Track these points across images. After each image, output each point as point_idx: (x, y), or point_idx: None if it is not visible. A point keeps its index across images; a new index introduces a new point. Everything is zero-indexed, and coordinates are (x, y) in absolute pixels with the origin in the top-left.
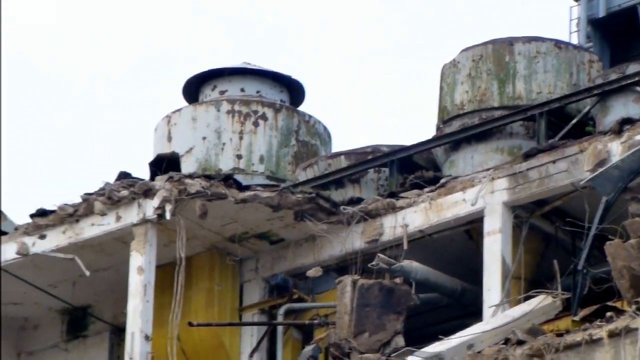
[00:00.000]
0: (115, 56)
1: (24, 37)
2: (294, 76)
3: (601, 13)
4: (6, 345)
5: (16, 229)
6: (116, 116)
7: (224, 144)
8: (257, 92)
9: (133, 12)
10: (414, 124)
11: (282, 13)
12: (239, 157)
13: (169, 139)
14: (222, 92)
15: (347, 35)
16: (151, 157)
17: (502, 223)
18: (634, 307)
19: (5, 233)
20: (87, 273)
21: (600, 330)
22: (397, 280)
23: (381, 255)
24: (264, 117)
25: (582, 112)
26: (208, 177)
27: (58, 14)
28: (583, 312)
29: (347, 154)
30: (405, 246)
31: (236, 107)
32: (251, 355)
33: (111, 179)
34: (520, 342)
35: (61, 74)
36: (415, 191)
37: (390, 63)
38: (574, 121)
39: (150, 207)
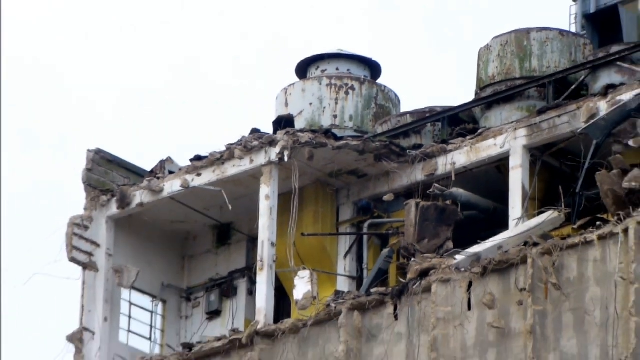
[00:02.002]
0: (246, 44)
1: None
2: (374, 58)
3: (592, 9)
4: (174, 251)
5: (180, 169)
6: (250, 88)
7: (324, 107)
8: (348, 70)
9: (264, 11)
10: (459, 91)
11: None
12: (335, 116)
13: (286, 104)
14: (322, 71)
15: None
16: (274, 118)
17: (522, 160)
18: (615, 218)
19: (172, 172)
20: (230, 207)
21: (592, 235)
22: (448, 202)
23: (436, 185)
24: (352, 88)
25: (578, 80)
26: (313, 131)
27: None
28: (580, 222)
29: (411, 113)
30: (453, 178)
31: (333, 81)
32: (345, 256)
33: (246, 133)
34: (535, 244)
35: (215, 62)
36: (460, 139)
37: (443, 48)
38: (572, 87)
39: (273, 153)
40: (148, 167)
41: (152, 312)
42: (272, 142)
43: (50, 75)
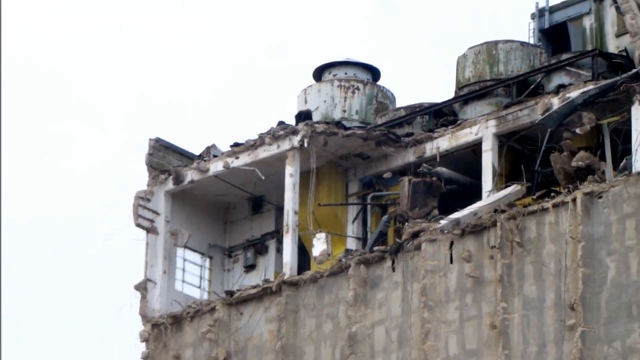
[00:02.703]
0: (269, 53)
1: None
2: (375, 65)
3: (546, 25)
4: (218, 218)
5: (222, 153)
6: (275, 89)
7: (335, 104)
8: (354, 74)
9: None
10: (442, 90)
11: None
12: (344, 111)
13: (305, 102)
14: (334, 75)
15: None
16: (296, 113)
17: (492, 145)
18: (566, 190)
19: (216, 156)
20: (262, 177)
21: (548, 203)
22: (434, 178)
23: (425, 165)
24: (357, 88)
25: (536, 82)
26: (327, 123)
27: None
28: (538, 194)
29: (405, 108)
30: (438, 159)
31: (342, 83)
32: (353, 221)
33: (274, 124)
34: (503, 211)
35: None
36: (443, 128)
37: (428, 55)
38: (531, 87)
39: (295, 140)
40: (197, 152)
41: (201, 266)
42: (294, 132)
43: (121, 73)
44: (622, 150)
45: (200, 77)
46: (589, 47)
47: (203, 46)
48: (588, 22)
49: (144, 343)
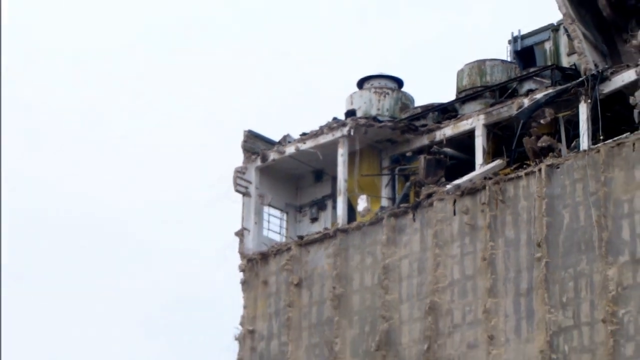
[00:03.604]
0: (327, 69)
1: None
2: (399, 76)
3: (519, 48)
4: (292, 185)
5: (294, 140)
6: (330, 94)
7: (372, 104)
8: (385, 83)
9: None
10: (447, 94)
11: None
12: (378, 109)
13: (351, 103)
14: (371, 84)
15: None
16: (345, 111)
17: (482, 132)
18: (534, 163)
19: (290, 141)
20: (321, 157)
21: (522, 172)
22: (441, 156)
23: (435, 146)
24: (387, 93)
25: (512, 88)
26: (366, 118)
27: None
28: (514, 166)
29: (421, 107)
30: (444, 142)
31: (377, 90)
32: (385, 186)
33: (329, 119)
34: (489, 178)
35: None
36: (448, 120)
37: (436, 70)
38: (509, 91)
39: (345, 130)
40: (276, 139)
41: (280, 219)
42: (344, 124)
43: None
44: (573, 134)
45: (278, 85)
46: (549, 63)
47: (279, 63)
48: (548, 45)
49: (241, 273)
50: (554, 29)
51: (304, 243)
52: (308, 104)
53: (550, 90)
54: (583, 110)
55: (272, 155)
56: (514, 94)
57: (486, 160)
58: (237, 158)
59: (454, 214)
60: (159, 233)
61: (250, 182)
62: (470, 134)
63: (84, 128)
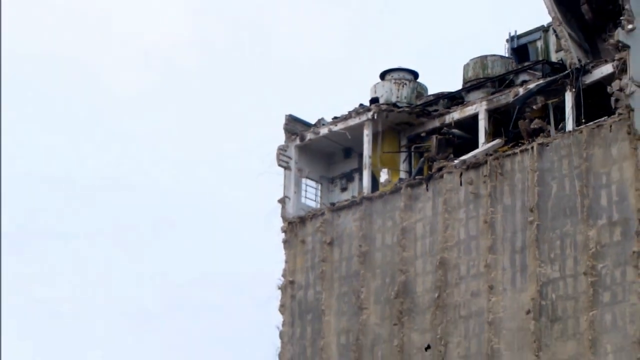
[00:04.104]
0: (354, 62)
1: None
2: (415, 69)
3: (515, 46)
4: (325, 160)
5: (327, 122)
6: (357, 84)
7: (393, 93)
8: (403, 76)
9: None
10: (455, 84)
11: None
12: (398, 97)
13: (375, 92)
14: (391, 76)
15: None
16: (369, 98)
17: (484, 116)
18: (527, 142)
19: (324, 124)
20: (349, 137)
21: (517, 150)
22: (450, 136)
23: (445, 128)
24: (405, 83)
25: (509, 79)
26: (388, 104)
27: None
28: (511, 144)
29: (433, 95)
30: (452, 124)
31: (397, 80)
32: (403, 161)
33: (356, 105)
34: (490, 154)
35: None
36: (455, 106)
37: (446, 64)
38: (506, 82)
39: (369, 114)
40: (312, 122)
41: (315, 189)
42: (369, 110)
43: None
44: (560, 118)
45: (314, 75)
46: (540, 59)
47: (315, 56)
48: (539, 43)
49: (283, 234)
50: (544, 30)
51: (335, 209)
52: (339, 92)
53: (541, 81)
54: (568, 98)
55: (309, 136)
56: (511, 84)
57: (487, 140)
58: (280, 138)
59: (461, 184)
60: (216, 201)
61: (290, 158)
62: (474, 118)
63: (142, 114)
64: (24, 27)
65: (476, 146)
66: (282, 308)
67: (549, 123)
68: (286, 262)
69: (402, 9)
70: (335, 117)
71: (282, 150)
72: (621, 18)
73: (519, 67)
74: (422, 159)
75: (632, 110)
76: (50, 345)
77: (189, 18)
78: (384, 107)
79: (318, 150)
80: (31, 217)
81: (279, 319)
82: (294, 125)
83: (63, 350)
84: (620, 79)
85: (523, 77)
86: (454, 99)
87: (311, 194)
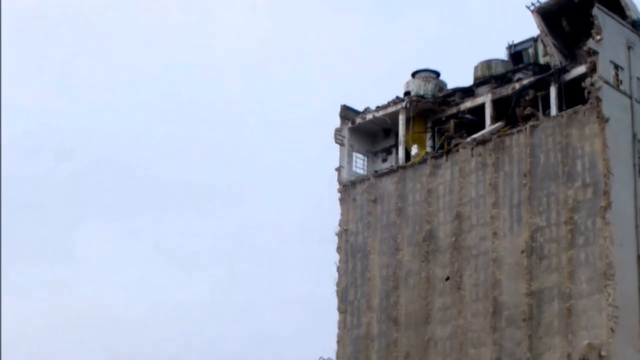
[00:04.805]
0: (393, 66)
1: None
2: (437, 69)
3: (513, 52)
4: (370, 138)
5: (372, 110)
6: (394, 81)
7: (421, 87)
8: (428, 75)
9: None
10: (467, 81)
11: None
12: (424, 91)
13: (408, 87)
14: (420, 75)
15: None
16: (403, 92)
17: (490, 105)
18: (522, 124)
19: (369, 111)
20: (389, 121)
21: (514, 130)
22: (464, 120)
23: (460, 114)
24: (430, 80)
25: (508, 77)
26: (417, 96)
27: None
28: (510, 125)
29: (450, 89)
30: (466, 111)
31: (424, 78)
32: (429, 139)
33: (393, 97)
34: (494, 133)
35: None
36: (467, 97)
37: (459, 68)
38: (506, 79)
39: (403, 104)
40: (360, 109)
41: (363, 160)
42: (403, 100)
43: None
44: (546, 106)
45: (361, 74)
46: (531, 62)
47: (359, 55)
48: (531, 50)
49: (339, 193)
50: (534, 40)
51: (378, 175)
52: (380, 86)
53: (532, 78)
54: (553, 91)
55: (358, 120)
56: (509, 81)
57: (492, 122)
58: (336, 122)
59: (472, 156)
60: (291, 170)
61: (344, 137)
62: (482, 106)
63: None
64: None
65: (483, 127)
66: (339, 249)
67: (538, 110)
68: (341, 215)
69: (427, 29)
70: (378, 106)
71: (338, 132)
72: (592, 31)
73: (515, 68)
74: (442, 137)
75: (600, 100)
76: None
77: (269, 18)
78: (414, 98)
79: (365, 131)
80: None
81: (336, 257)
82: (347, 113)
83: None
84: (592, 77)
85: (518, 75)
86: (466, 92)
87: (360, 164)
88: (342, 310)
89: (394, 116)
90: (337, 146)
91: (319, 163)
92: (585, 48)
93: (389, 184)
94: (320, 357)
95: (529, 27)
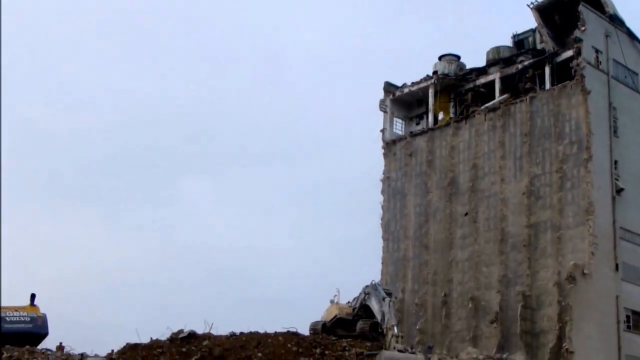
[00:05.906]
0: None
1: None
2: (458, 53)
3: (516, 40)
4: (407, 108)
5: (407, 85)
6: (425, 63)
7: (446, 67)
8: (451, 58)
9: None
10: (481, 62)
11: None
12: (449, 70)
13: (435, 67)
14: (445, 58)
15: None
16: (432, 71)
17: (499, 81)
18: (523, 96)
19: (405, 86)
20: (421, 94)
21: (517, 100)
22: (479, 92)
23: (476, 87)
24: (453, 62)
25: (513, 60)
26: (443, 74)
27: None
28: (514, 97)
29: (470, 69)
30: (481, 86)
31: (448, 61)
32: (452, 107)
33: (424, 75)
34: (502, 103)
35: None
36: (482, 75)
37: (475, 53)
38: (511, 61)
39: (432, 80)
40: (399, 84)
41: (401, 124)
42: (431, 78)
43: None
44: (542, 82)
45: (401, 55)
46: (531, 47)
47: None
48: (531, 39)
49: (383, 149)
50: (533, 30)
51: (413, 135)
52: (415, 67)
53: (531, 60)
54: (547, 70)
55: (398, 93)
56: (513, 63)
57: (500, 94)
58: (381, 94)
59: (485, 120)
60: (345, 132)
61: (387, 106)
62: (493, 82)
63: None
64: None
65: (493, 98)
66: (382, 192)
67: (536, 85)
68: (385, 166)
69: (444, 25)
70: (413, 82)
71: (382, 102)
72: (578, 23)
73: (518, 52)
74: (462, 106)
75: (584, 77)
76: None
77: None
78: (440, 76)
79: (403, 101)
80: None
81: (381, 198)
82: (389, 87)
83: None
84: (577, 59)
85: (521, 58)
86: (480, 71)
87: (398, 127)
88: (385, 238)
89: (425, 90)
90: (381, 113)
91: (368, 126)
92: (572, 37)
93: (421, 142)
94: (372, 280)
95: (529, 21)
